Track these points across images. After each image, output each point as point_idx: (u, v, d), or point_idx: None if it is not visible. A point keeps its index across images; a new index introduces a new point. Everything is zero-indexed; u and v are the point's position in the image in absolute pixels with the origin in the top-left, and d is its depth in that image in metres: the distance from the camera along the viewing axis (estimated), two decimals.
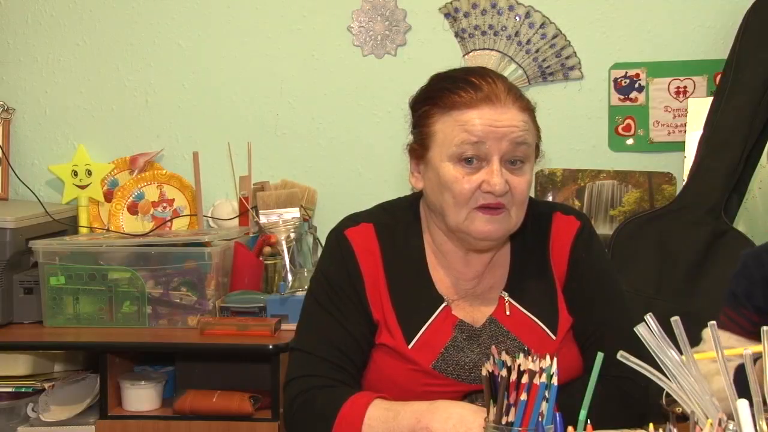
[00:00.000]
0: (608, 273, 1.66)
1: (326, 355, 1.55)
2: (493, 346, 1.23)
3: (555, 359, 1.17)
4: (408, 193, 1.72)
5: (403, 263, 1.61)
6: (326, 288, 1.61)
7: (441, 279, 1.62)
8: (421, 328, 1.57)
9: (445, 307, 1.59)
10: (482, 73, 1.56)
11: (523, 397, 1.15)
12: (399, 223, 1.64)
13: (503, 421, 1.17)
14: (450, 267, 1.62)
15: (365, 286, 1.59)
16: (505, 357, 1.19)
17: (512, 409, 1.17)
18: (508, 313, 1.59)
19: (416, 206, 1.67)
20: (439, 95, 1.55)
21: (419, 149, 1.58)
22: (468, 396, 1.55)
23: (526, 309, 1.60)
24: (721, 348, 1.12)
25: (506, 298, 1.61)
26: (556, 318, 1.60)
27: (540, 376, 1.15)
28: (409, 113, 1.63)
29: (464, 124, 1.50)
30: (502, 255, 1.64)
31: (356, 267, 1.60)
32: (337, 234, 1.64)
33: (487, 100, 1.50)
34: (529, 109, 1.55)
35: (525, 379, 1.16)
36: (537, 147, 1.58)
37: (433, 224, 1.62)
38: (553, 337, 1.58)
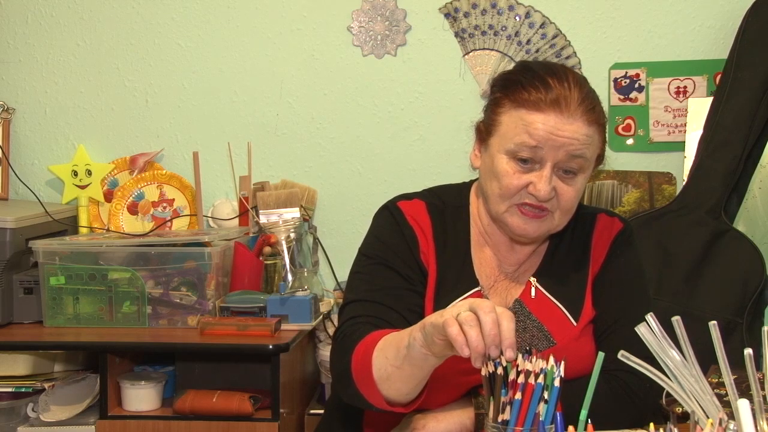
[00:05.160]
0: (639, 276, 1.69)
1: (378, 299, 1.55)
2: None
3: (563, 362, 1.17)
4: (409, 191, 1.72)
5: (449, 242, 1.64)
6: (378, 246, 1.62)
7: (486, 260, 1.66)
8: (450, 303, 1.57)
9: (477, 291, 1.62)
10: (562, 75, 1.54)
11: (518, 396, 1.15)
12: (447, 205, 1.68)
13: (499, 419, 1.17)
14: (497, 250, 1.66)
15: (419, 248, 1.61)
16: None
17: (508, 407, 1.17)
18: (533, 296, 1.63)
19: (466, 192, 1.71)
20: (512, 87, 1.55)
21: (484, 132, 1.60)
22: (473, 391, 1.56)
23: (551, 294, 1.63)
24: (722, 348, 1.12)
25: (534, 283, 1.64)
26: (580, 307, 1.63)
27: (537, 377, 1.15)
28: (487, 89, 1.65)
29: (527, 126, 1.51)
30: (544, 245, 1.68)
31: (411, 231, 1.62)
32: (390, 206, 1.67)
33: (555, 104, 1.50)
34: (598, 123, 1.55)
35: (521, 379, 1.16)
36: (600, 157, 1.60)
37: (482, 208, 1.66)
38: (574, 324, 1.61)
